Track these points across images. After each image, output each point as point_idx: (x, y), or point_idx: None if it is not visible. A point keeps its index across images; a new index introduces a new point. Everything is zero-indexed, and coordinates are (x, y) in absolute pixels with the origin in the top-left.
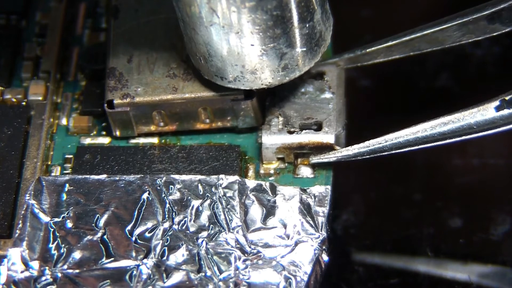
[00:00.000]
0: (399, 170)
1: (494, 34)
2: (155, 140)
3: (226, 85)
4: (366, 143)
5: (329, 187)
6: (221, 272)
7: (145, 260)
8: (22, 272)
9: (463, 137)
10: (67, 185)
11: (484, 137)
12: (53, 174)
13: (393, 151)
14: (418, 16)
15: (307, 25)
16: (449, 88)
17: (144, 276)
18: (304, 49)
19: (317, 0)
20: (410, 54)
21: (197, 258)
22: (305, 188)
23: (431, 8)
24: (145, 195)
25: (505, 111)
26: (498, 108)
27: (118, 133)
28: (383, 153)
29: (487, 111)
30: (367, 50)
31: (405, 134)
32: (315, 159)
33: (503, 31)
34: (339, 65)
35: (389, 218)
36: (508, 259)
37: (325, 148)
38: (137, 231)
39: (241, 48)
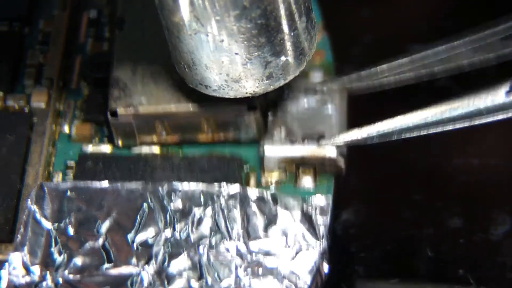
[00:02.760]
0: (399, 170)
1: (507, 50)
2: (157, 149)
3: (211, 93)
4: (376, 126)
5: (330, 196)
6: (221, 280)
7: (146, 267)
8: (23, 276)
9: (473, 122)
10: (69, 191)
11: (484, 137)
12: (55, 180)
13: (403, 135)
14: (418, 16)
15: (292, 34)
16: (449, 88)
17: (145, 283)
18: (289, 57)
19: (303, 9)
20: (421, 71)
21: (198, 265)
22: (306, 197)
23: (431, 8)
24: (146, 203)
25: None
26: (508, 93)
27: (120, 143)
28: (392, 137)
29: (497, 96)
30: (378, 69)
31: (415, 118)
32: (325, 142)
33: None
34: (345, 86)
35: (389, 218)
36: (508, 259)
37: (327, 160)
38: (139, 238)
39: (225, 57)
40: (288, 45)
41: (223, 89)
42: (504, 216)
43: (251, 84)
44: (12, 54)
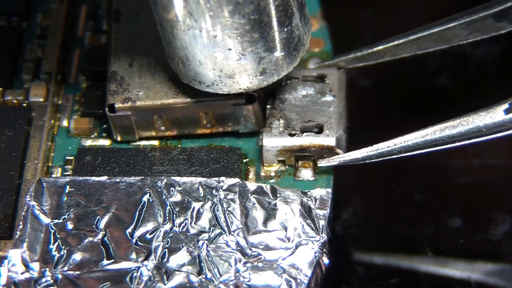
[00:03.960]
0: (399, 170)
1: (502, 32)
2: (156, 142)
3: (204, 89)
4: (375, 146)
5: (329, 190)
6: (221, 274)
7: (145, 262)
8: (22, 273)
9: (472, 140)
10: (67, 186)
11: None
12: (53, 175)
13: (402, 154)
14: (417, 16)
15: (285, 30)
16: (449, 88)
17: (145, 278)
18: (283, 53)
19: (296, 5)
20: (417, 53)
21: (197, 260)
22: (305, 191)
23: (430, 8)
24: (145, 197)
25: None
26: (507, 111)
27: (119, 137)
28: (392, 157)
29: (496, 114)
30: (374, 49)
31: (414, 137)
32: (323, 163)
33: (510, 29)
34: (342, 66)
35: (389, 218)
36: (508, 259)
37: (326, 151)
38: (138, 233)
39: (219, 52)
40: (282, 40)
41: (217, 85)
42: (504, 216)
43: (244, 79)
44: (10, 49)
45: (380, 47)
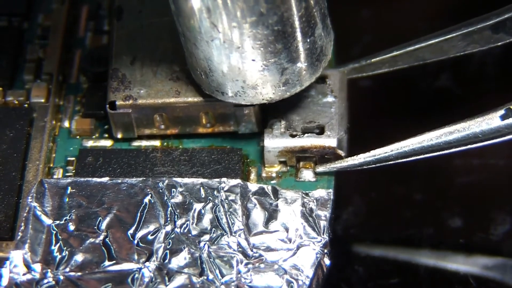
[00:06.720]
0: (399, 170)
1: (499, 43)
2: (157, 143)
3: (227, 100)
4: (372, 152)
5: (331, 190)
6: (223, 275)
7: (147, 263)
8: (24, 274)
9: (469, 146)
10: (69, 187)
11: None
12: (55, 176)
13: (399, 160)
14: (418, 16)
15: (308, 40)
16: (449, 88)
17: (146, 279)
18: (305, 64)
19: (318, 15)
20: (414, 64)
21: (199, 261)
22: (307, 191)
23: (431, 9)
24: (147, 198)
25: (510, 120)
26: (503, 117)
27: (119, 135)
28: (389, 162)
29: (493, 120)
30: (372, 60)
31: (411, 143)
32: (320, 168)
33: (508, 40)
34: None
35: (389, 218)
36: (508, 259)
37: (328, 151)
38: (139, 234)
39: (242, 63)
40: (305, 51)
41: (240, 95)
42: (504, 216)
43: (267, 90)
44: (11, 49)
45: (378, 58)
